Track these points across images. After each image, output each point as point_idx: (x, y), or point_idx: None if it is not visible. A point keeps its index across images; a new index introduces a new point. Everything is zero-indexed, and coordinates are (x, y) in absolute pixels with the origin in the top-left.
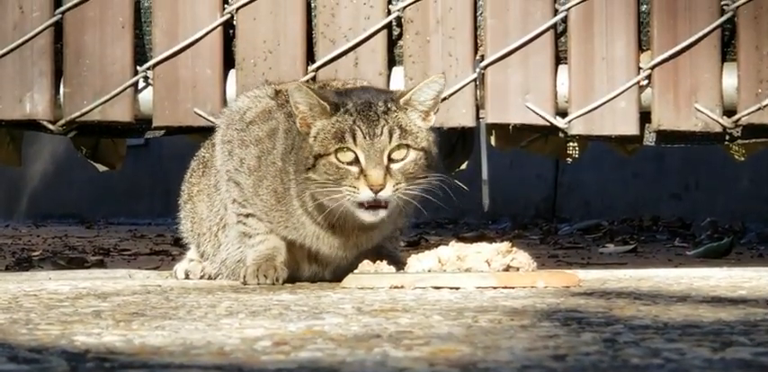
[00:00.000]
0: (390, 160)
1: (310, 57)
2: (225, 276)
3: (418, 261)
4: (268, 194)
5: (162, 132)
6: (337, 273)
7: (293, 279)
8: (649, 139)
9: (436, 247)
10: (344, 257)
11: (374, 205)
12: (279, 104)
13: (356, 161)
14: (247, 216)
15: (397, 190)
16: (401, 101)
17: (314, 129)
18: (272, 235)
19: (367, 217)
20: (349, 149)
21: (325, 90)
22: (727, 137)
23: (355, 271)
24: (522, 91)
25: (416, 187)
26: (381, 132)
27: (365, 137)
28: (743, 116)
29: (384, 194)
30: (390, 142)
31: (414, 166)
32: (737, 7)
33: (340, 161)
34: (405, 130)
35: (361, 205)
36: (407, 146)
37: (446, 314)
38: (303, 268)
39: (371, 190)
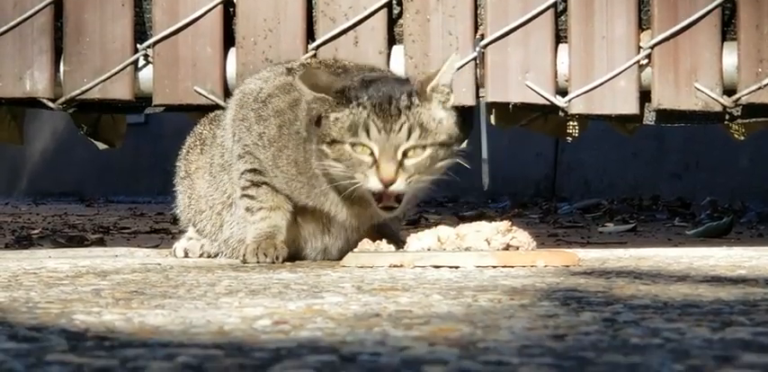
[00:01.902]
0: (406, 155)
1: (310, 35)
2: (225, 255)
3: (418, 240)
4: (289, 165)
5: (162, 108)
6: (346, 251)
7: (294, 257)
8: (649, 118)
9: (436, 226)
10: (357, 227)
11: (388, 205)
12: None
13: (371, 153)
14: (260, 185)
15: (410, 182)
16: (428, 88)
17: (331, 117)
18: (275, 213)
19: (382, 213)
20: (363, 144)
21: (336, 76)
22: (728, 117)
23: (355, 250)
24: (522, 70)
25: (430, 177)
26: (400, 129)
27: (380, 132)
28: (743, 95)
29: (395, 188)
30: (408, 140)
31: (429, 160)
32: None
33: (355, 151)
34: (425, 129)
35: (375, 198)
36: (425, 146)
37: (446, 293)
38: (314, 242)
39: (382, 182)
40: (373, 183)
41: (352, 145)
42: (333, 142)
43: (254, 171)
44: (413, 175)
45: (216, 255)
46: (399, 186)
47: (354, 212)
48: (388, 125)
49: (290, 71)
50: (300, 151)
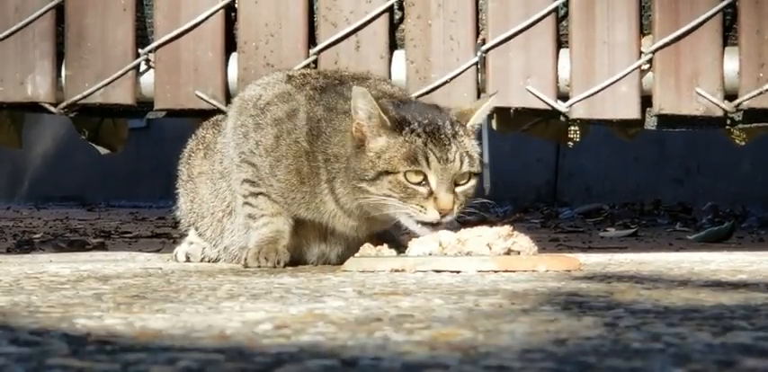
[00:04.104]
0: (456, 185)
1: (312, 40)
2: (226, 261)
3: (419, 245)
4: (289, 174)
5: (163, 113)
6: (345, 256)
7: (297, 262)
8: (650, 123)
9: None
10: (356, 237)
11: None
12: (296, 87)
13: (425, 182)
14: (257, 195)
15: (459, 211)
16: (468, 125)
17: (375, 145)
18: (277, 218)
19: (422, 232)
20: (421, 172)
21: (384, 99)
22: (729, 122)
23: (356, 255)
24: (523, 74)
25: (467, 207)
26: (454, 158)
27: (439, 162)
28: (744, 100)
29: (449, 218)
30: (461, 168)
31: (473, 190)
32: None
33: (409, 181)
34: (471, 157)
35: (421, 222)
36: (471, 173)
37: (447, 297)
38: (312, 248)
39: (440, 213)
40: (431, 215)
41: (407, 173)
42: (381, 175)
43: (250, 181)
44: (462, 205)
45: (217, 260)
46: (452, 216)
47: (353, 225)
48: (444, 154)
49: (290, 78)
50: (303, 162)
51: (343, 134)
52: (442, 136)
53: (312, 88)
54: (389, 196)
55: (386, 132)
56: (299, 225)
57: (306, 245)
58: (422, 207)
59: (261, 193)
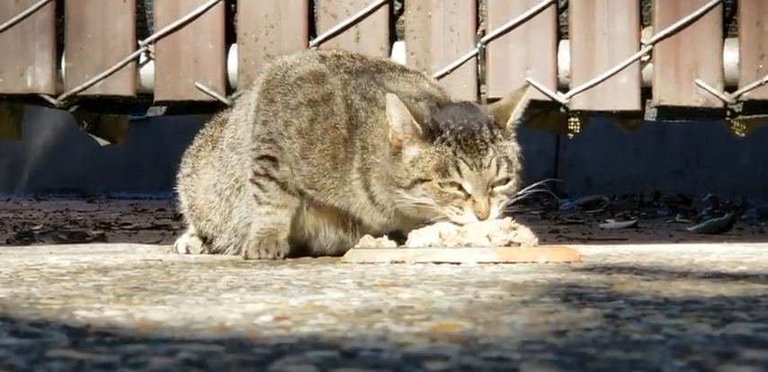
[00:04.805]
0: (493, 187)
1: (312, 31)
2: (234, 246)
3: (419, 236)
4: (323, 158)
5: (163, 110)
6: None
7: (299, 250)
8: (650, 115)
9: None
10: (378, 232)
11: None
12: (330, 68)
13: (461, 189)
14: (271, 179)
15: (500, 208)
16: (508, 125)
17: (409, 153)
18: (281, 210)
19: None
20: (455, 182)
21: (422, 102)
22: (728, 113)
23: (356, 246)
24: (523, 66)
25: (511, 199)
26: (489, 164)
27: (471, 169)
28: (744, 91)
29: (490, 218)
30: (497, 174)
31: (514, 188)
32: None
33: (443, 188)
34: (509, 161)
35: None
36: (509, 178)
37: (447, 289)
38: (327, 232)
39: (477, 216)
40: (468, 216)
41: (441, 184)
42: (416, 183)
43: (272, 160)
44: (502, 201)
45: (217, 252)
46: (493, 216)
47: (382, 221)
48: (478, 161)
49: (323, 58)
50: (340, 148)
51: (385, 128)
52: (477, 141)
53: (347, 71)
54: (425, 199)
55: (418, 141)
56: (315, 207)
57: (319, 228)
58: (459, 208)
59: (275, 179)
